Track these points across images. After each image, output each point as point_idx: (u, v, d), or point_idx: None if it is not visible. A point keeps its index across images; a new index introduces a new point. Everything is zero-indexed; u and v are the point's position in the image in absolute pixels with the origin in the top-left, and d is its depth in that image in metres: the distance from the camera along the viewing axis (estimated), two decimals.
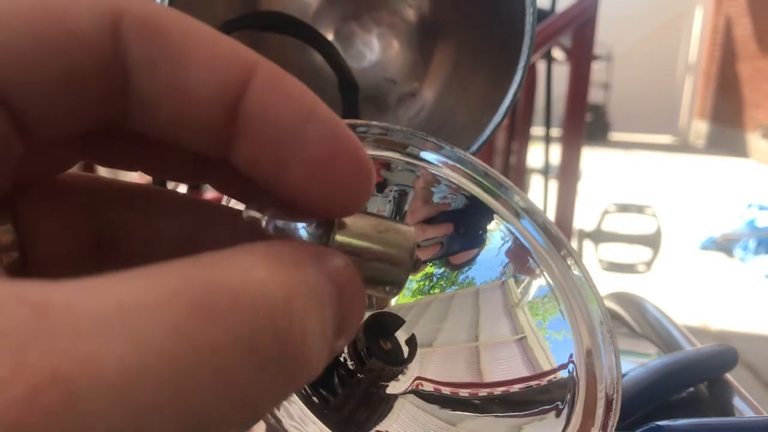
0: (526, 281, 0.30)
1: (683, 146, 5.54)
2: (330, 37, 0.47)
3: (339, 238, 0.18)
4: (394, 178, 0.30)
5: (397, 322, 0.30)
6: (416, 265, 0.19)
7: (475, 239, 0.30)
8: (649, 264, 1.51)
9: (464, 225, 0.30)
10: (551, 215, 1.39)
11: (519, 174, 1.53)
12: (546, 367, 0.28)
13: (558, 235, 0.29)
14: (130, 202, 0.20)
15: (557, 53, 1.55)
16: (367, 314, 0.30)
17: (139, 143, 0.19)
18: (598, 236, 1.51)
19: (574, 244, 1.41)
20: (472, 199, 0.29)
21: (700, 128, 5.71)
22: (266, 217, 0.18)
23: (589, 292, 0.29)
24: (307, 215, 0.18)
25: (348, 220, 0.18)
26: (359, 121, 0.28)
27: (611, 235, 1.53)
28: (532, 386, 0.28)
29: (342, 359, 0.30)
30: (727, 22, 5.37)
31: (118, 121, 0.16)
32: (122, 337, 0.11)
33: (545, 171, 1.50)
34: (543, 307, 0.29)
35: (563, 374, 0.28)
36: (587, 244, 1.51)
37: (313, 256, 0.15)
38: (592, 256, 1.50)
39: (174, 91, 0.15)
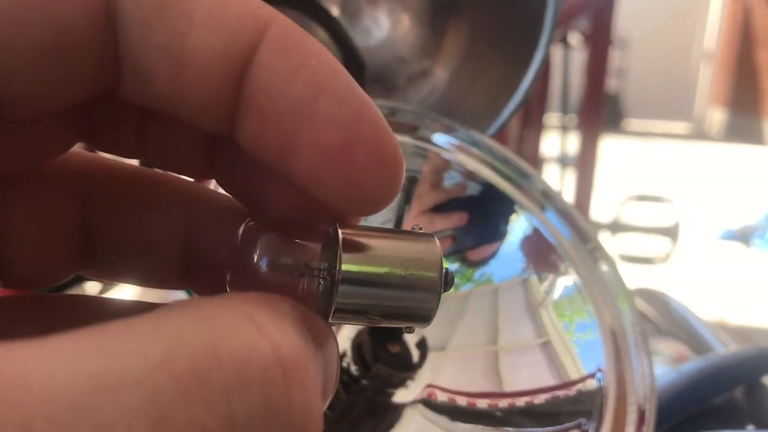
0: (550, 278, 0.27)
1: (699, 134, 5.50)
2: (335, 12, 0.44)
3: (347, 268, 0.14)
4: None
5: None
6: (447, 284, 0.16)
7: (494, 233, 0.26)
8: (667, 255, 1.48)
9: (481, 215, 0.26)
10: None
11: (533, 163, 1.50)
12: (574, 375, 0.25)
13: (585, 229, 0.26)
14: (123, 191, 0.17)
15: (573, 39, 1.51)
16: None
17: (137, 121, 0.16)
18: (615, 227, 1.48)
19: None
20: (490, 187, 0.26)
21: (716, 116, 5.66)
22: (258, 251, 0.15)
23: (620, 290, 0.26)
24: (311, 242, 0.15)
25: (355, 242, 0.15)
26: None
27: (628, 226, 1.49)
28: (558, 397, 0.25)
29: (345, 364, 0.27)
30: (745, 9, 5.31)
31: (110, 89, 0.14)
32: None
33: (562, 160, 1.46)
34: (570, 308, 0.26)
35: (592, 383, 0.25)
36: (604, 235, 1.47)
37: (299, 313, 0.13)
38: (609, 247, 1.47)
39: (171, 54, 0.13)
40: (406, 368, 0.27)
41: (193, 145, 0.17)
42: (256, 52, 0.13)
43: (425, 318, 0.15)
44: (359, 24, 0.45)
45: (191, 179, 0.18)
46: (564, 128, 1.42)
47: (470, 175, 0.26)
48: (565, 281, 0.26)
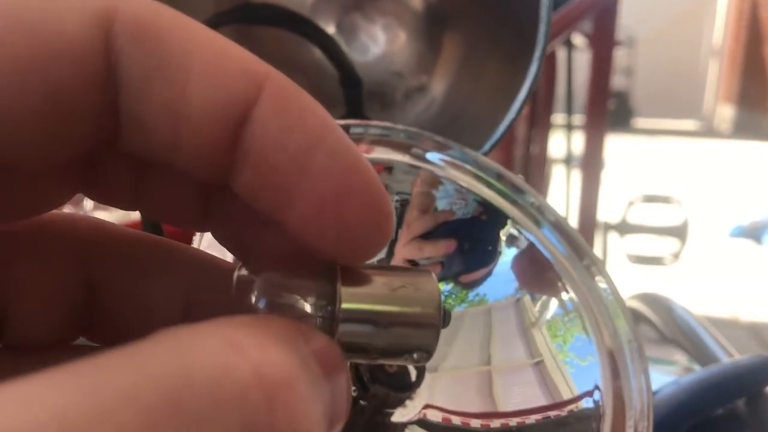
0: (544, 298, 0.27)
1: (709, 131, 5.48)
2: (331, 29, 0.44)
3: (347, 306, 0.15)
4: (396, 186, 0.27)
5: None
6: (446, 321, 0.16)
7: (484, 257, 0.27)
8: (676, 255, 1.48)
9: (470, 240, 0.26)
10: (574, 207, 1.35)
11: (541, 164, 1.49)
12: (566, 396, 0.25)
13: (581, 243, 0.26)
14: (123, 254, 0.18)
15: (578, 39, 1.51)
16: None
17: (134, 172, 0.16)
18: (624, 228, 1.47)
19: (598, 237, 1.38)
20: (482, 206, 0.26)
21: (725, 113, 5.63)
22: (256, 291, 0.15)
23: (616, 306, 0.26)
24: (309, 280, 0.15)
25: (353, 280, 0.15)
26: (355, 121, 0.25)
27: (637, 227, 1.49)
28: (549, 417, 0.25)
29: None
30: (752, 4, 5.28)
31: (109, 142, 0.14)
32: None
33: (567, 161, 1.46)
34: (563, 327, 0.26)
35: (586, 404, 0.25)
36: (612, 236, 1.47)
37: (301, 334, 0.13)
38: (617, 248, 1.46)
39: (171, 108, 0.13)
40: (403, 388, 0.27)
41: (189, 195, 0.17)
42: (254, 108, 0.14)
43: (424, 354, 0.15)
44: (356, 40, 0.45)
45: (193, 247, 0.19)
46: (569, 128, 1.41)
47: (463, 194, 0.26)
48: (560, 299, 0.26)
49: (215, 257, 0.19)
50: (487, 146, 0.35)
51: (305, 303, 0.15)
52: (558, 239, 0.26)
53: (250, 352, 0.11)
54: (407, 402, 0.27)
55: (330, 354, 0.13)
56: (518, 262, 0.26)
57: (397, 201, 0.26)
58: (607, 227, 1.48)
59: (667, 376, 0.46)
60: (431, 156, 0.26)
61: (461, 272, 0.27)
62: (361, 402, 0.27)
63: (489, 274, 0.27)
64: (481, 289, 0.27)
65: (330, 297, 0.15)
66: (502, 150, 1.43)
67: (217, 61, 0.13)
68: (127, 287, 0.17)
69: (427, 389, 0.27)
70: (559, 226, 0.26)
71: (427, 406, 0.27)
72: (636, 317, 0.59)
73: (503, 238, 0.27)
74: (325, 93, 0.41)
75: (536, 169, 1.46)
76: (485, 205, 0.26)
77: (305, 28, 0.35)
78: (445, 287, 0.27)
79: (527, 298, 0.27)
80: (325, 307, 0.15)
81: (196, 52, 0.13)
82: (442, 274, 0.26)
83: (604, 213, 1.51)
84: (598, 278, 0.26)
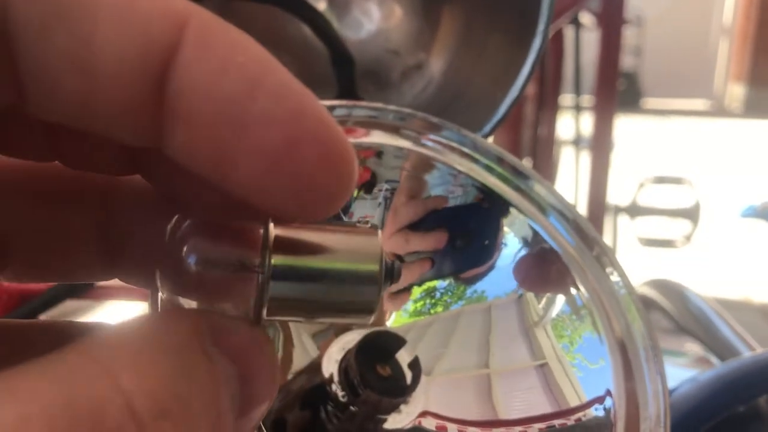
0: (549, 294, 0.24)
1: (719, 111, 5.45)
2: (322, 5, 0.42)
3: (278, 261, 0.14)
4: (386, 173, 0.24)
5: (397, 342, 0.26)
6: (392, 275, 0.15)
7: (480, 253, 0.24)
8: (688, 237, 1.45)
9: (465, 232, 0.24)
10: (584, 189, 1.33)
11: (549, 146, 1.47)
12: (573, 402, 0.23)
13: (591, 233, 0.24)
14: (29, 188, 0.16)
15: (586, 18, 1.48)
16: (362, 334, 0.26)
17: (49, 136, 0.15)
18: (634, 210, 1.45)
19: (608, 220, 1.36)
20: (482, 193, 0.24)
21: (736, 92, 5.60)
22: (186, 248, 0.14)
23: (629, 300, 0.24)
24: (242, 236, 0.15)
25: (289, 237, 0.14)
26: (338, 102, 0.23)
27: (648, 209, 1.47)
28: (555, 426, 0.23)
29: (334, 390, 0.25)
30: None
31: (12, 106, 0.12)
32: None
33: (576, 142, 1.44)
34: (571, 326, 0.24)
35: (596, 412, 0.23)
36: (623, 219, 1.45)
37: (211, 334, 0.13)
38: (628, 231, 1.44)
39: (75, 61, 0.11)
40: (396, 393, 0.25)
41: (114, 151, 0.15)
42: (176, 54, 0.12)
43: (366, 312, 0.15)
44: (349, 16, 0.42)
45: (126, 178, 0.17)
46: (578, 109, 1.39)
47: (459, 180, 0.24)
48: (568, 295, 0.24)
49: (133, 182, 0.17)
50: (489, 127, 0.33)
51: (237, 262, 0.14)
52: (565, 228, 0.24)
53: (123, 383, 0.11)
54: (402, 407, 0.25)
55: (247, 342, 0.13)
56: (521, 264, 0.24)
57: (386, 190, 0.24)
58: (618, 210, 1.45)
59: (680, 368, 0.44)
60: (424, 138, 0.24)
61: (453, 270, 0.24)
62: (352, 408, 0.25)
63: (491, 268, 0.24)
64: (480, 285, 0.24)
65: (263, 253, 0.14)
66: (510, 132, 1.42)
67: (128, 1, 0.11)
68: (35, 217, 0.16)
69: (423, 394, 0.25)
70: (566, 213, 0.24)
71: (424, 413, 0.25)
72: (648, 305, 0.57)
73: (506, 229, 0.24)
74: (316, 72, 0.39)
75: (545, 151, 1.44)
76: (485, 191, 0.24)
77: (289, 2, 0.33)
78: (441, 283, 0.25)
79: (531, 294, 0.24)
80: (257, 265, 0.14)
81: None
82: (433, 272, 0.24)
83: (614, 195, 1.49)
84: (609, 269, 0.24)
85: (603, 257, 0.24)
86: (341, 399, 0.25)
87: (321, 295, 0.15)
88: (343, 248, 0.15)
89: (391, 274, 0.15)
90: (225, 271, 0.14)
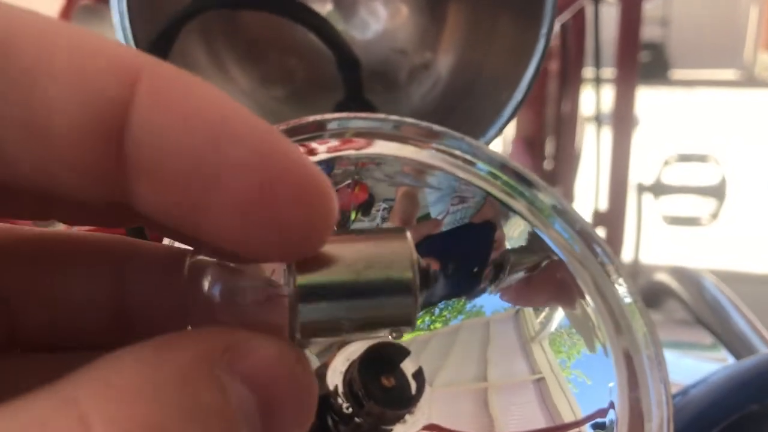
0: (548, 309, 0.24)
1: (749, 80, 5.33)
2: (329, 6, 0.42)
3: (303, 282, 0.13)
4: (383, 191, 0.24)
5: (401, 352, 0.26)
6: (428, 281, 0.15)
7: (469, 281, 0.24)
8: (714, 215, 1.43)
9: (456, 258, 0.24)
10: (605, 168, 1.31)
11: (572, 123, 1.45)
12: (568, 418, 0.23)
13: (595, 237, 0.24)
14: (38, 255, 0.16)
15: None
16: (366, 345, 0.26)
17: (33, 198, 0.14)
18: (659, 189, 1.43)
19: (632, 198, 1.34)
20: (479, 208, 0.24)
21: (766, 60, 5.46)
22: (209, 278, 0.14)
23: (634, 308, 0.24)
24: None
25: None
26: (328, 116, 0.22)
27: (672, 187, 1.44)
28: None
29: (338, 401, 0.26)
30: None
31: None
32: None
33: (598, 118, 1.41)
34: (569, 341, 0.24)
35: (594, 430, 0.23)
36: (647, 197, 1.42)
37: (224, 357, 0.12)
38: (652, 210, 1.42)
39: (26, 122, 0.11)
40: (399, 404, 0.25)
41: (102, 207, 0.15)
42: (130, 108, 0.11)
43: (404, 323, 0.14)
44: (355, 17, 0.42)
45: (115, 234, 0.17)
46: (597, 82, 1.36)
47: (461, 193, 0.24)
48: (569, 306, 0.24)
49: (143, 242, 0.17)
50: (493, 131, 0.33)
51: (260, 284, 0.14)
52: (571, 235, 0.24)
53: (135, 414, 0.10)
54: (407, 417, 0.25)
55: (270, 364, 0.12)
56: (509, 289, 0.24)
57: (384, 210, 0.24)
58: (642, 188, 1.43)
59: (692, 360, 0.44)
60: (426, 147, 0.23)
61: (443, 297, 0.24)
62: (356, 419, 0.25)
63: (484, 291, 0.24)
64: (480, 300, 0.24)
65: (286, 275, 0.13)
66: (532, 110, 1.40)
67: (74, 57, 0.11)
68: (44, 285, 0.16)
69: (427, 405, 0.25)
70: (571, 220, 0.24)
71: (431, 426, 0.25)
72: (664, 292, 0.56)
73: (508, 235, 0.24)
74: (324, 76, 0.39)
75: (569, 128, 1.42)
76: (488, 202, 0.24)
77: (293, 9, 0.32)
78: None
79: (529, 309, 0.24)
80: (280, 286, 0.14)
81: (48, 51, 0.11)
82: (423, 302, 0.24)
83: (639, 173, 1.47)
84: (614, 277, 0.24)
85: (608, 265, 0.24)
86: (346, 411, 0.25)
87: (354, 312, 0.14)
88: (371, 257, 0.14)
89: (426, 279, 0.15)
90: (251, 297, 0.14)
